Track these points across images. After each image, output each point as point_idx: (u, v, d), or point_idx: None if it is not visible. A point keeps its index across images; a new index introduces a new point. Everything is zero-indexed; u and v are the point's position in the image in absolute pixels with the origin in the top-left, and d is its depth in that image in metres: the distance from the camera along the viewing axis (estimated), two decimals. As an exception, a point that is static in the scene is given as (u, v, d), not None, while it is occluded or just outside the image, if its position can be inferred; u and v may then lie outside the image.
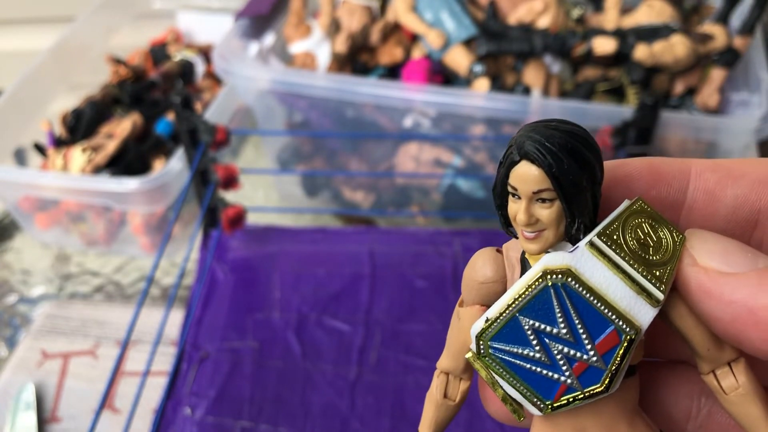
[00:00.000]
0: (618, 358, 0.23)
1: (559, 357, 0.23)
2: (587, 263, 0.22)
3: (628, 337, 0.22)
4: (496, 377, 0.24)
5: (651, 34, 0.63)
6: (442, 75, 0.68)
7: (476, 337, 0.24)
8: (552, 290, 0.23)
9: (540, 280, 0.23)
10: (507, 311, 0.23)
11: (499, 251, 0.25)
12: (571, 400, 0.23)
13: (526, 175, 0.22)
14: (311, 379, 0.54)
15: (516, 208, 0.23)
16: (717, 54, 0.64)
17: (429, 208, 0.72)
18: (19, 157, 0.77)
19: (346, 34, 0.68)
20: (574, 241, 0.23)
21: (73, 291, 0.72)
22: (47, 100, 0.80)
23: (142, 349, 0.62)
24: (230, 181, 0.61)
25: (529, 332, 0.23)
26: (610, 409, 0.24)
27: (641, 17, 0.65)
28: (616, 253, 0.22)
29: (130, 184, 0.64)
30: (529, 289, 0.23)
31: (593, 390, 0.23)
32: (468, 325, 0.25)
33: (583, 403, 0.23)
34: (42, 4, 0.97)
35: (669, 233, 0.23)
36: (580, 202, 0.22)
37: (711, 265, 0.21)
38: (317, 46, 0.70)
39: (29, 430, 0.56)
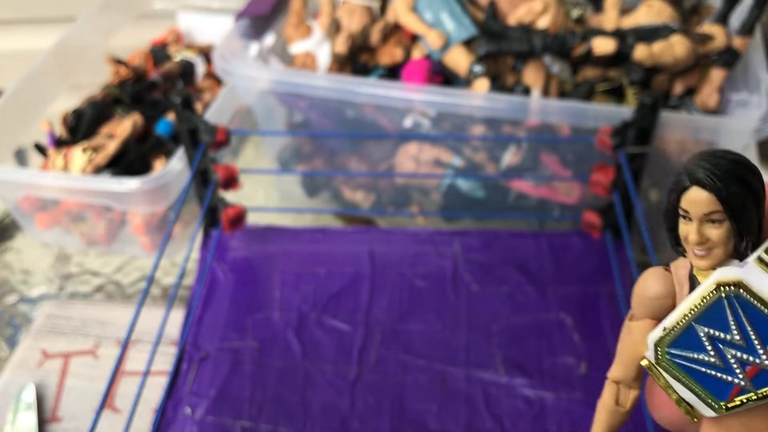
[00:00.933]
0: None
1: (732, 361, 0.26)
2: (757, 276, 0.25)
3: None
4: (672, 381, 0.27)
5: (650, 34, 0.63)
6: (442, 75, 0.69)
7: (654, 344, 0.27)
8: (725, 301, 0.25)
9: (714, 292, 0.26)
10: (683, 320, 0.26)
11: (668, 269, 0.28)
12: (744, 401, 0.26)
13: (698, 199, 0.25)
14: (311, 378, 0.54)
15: (687, 230, 0.26)
16: (716, 54, 0.65)
17: (429, 208, 0.72)
18: (20, 157, 0.77)
19: (346, 35, 0.68)
20: (742, 257, 0.26)
21: (74, 291, 0.72)
22: (48, 100, 0.81)
23: (142, 349, 0.62)
24: (230, 181, 0.61)
25: (704, 339, 0.26)
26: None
27: (641, 17, 0.65)
28: None
29: (130, 184, 0.64)
30: (704, 300, 0.26)
31: (765, 391, 0.25)
32: (640, 338, 0.28)
33: (755, 405, 0.26)
34: (43, 5, 0.97)
35: None
36: (747, 221, 0.25)
37: None
38: (317, 46, 0.70)
39: (30, 429, 0.56)
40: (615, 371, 0.31)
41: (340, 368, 0.55)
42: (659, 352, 0.27)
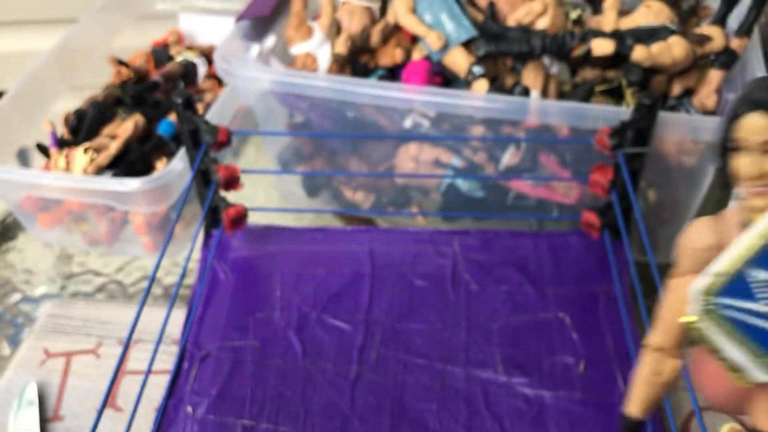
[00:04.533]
0: None
1: None
2: None
3: None
4: (721, 340, 0.23)
5: (649, 35, 0.63)
6: (442, 76, 0.69)
7: (702, 293, 0.23)
8: None
9: None
10: (737, 264, 0.23)
11: (716, 218, 0.25)
12: None
13: (756, 125, 0.22)
14: (312, 378, 0.55)
15: (744, 163, 0.23)
16: (715, 55, 0.65)
17: (429, 208, 0.73)
18: (22, 158, 0.77)
19: (347, 36, 0.69)
20: None
21: (76, 290, 0.72)
22: (50, 100, 0.81)
23: (143, 348, 0.62)
24: (231, 182, 0.61)
25: (759, 286, 0.22)
26: None
27: (639, 19, 0.66)
28: None
29: (132, 184, 0.64)
30: (761, 239, 0.22)
31: None
32: (685, 296, 0.24)
33: None
34: (45, 6, 0.97)
35: None
36: None
37: None
38: (318, 47, 0.70)
39: (32, 428, 0.57)
40: (654, 337, 0.27)
41: (340, 367, 0.55)
42: (706, 303, 0.23)
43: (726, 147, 0.23)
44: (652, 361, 0.27)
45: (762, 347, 0.23)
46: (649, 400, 0.27)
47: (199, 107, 0.80)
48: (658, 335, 0.27)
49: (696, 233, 0.25)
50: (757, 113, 0.22)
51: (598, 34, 0.64)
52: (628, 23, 0.66)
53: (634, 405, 0.27)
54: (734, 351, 0.23)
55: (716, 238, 0.24)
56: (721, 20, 0.66)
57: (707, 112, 0.65)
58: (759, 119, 0.22)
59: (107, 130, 0.75)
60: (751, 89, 0.22)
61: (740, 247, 0.23)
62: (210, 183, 0.61)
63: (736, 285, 0.23)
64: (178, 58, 0.88)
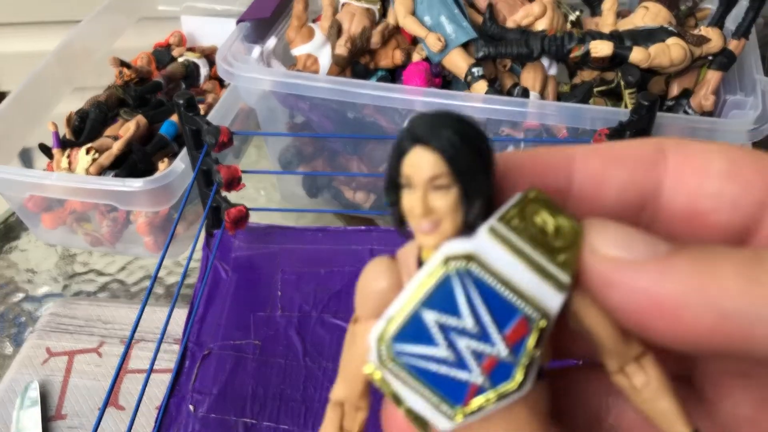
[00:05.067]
0: (529, 349, 0.21)
1: (466, 354, 0.21)
2: (489, 249, 0.21)
3: (539, 324, 0.21)
4: (400, 388, 0.22)
5: (647, 36, 0.64)
6: (442, 78, 0.69)
7: (377, 339, 0.21)
8: (456, 278, 0.21)
9: (442, 268, 0.21)
10: (409, 306, 0.21)
11: (393, 258, 0.23)
12: (483, 403, 0.21)
13: (421, 161, 0.21)
14: (313, 376, 0.55)
15: (411, 200, 0.21)
16: (712, 56, 0.65)
17: (429, 208, 0.73)
18: (25, 158, 0.78)
19: (347, 37, 0.69)
20: (471, 232, 0.21)
21: (78, 290, 0.73)
22: (52, 101, 0.81)
23: (145, 347, 0.63)
24: (233, 182, 0.62)
25: (433, 328, 0.21)
26: (523, 416, 0.22)
27: (637, 20, 0.66)
28: (518, 239, 0.21)
29: (134, 184, 0.64)
30: (431, 278, 0.21)
31: (506, 389, 0.21)
32: (365, 342, 0.22)
33: (496, 406, 0.21)
34: (47, 7, 0.97)
35: (568, 221, 0.21)
36: (477, 186, 0.21)
37: (611, 253, 0.20)
38: (319, 48, 0.71)
39: (34, 426, 0.57)
40: (337, 390, 0.24)
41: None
42: (383, 350, 0.21)
43: (395, 184, 0.22)
44: (337, 417, 0.24)
45: (441, 393, 0.21)
46: None
47: (201, 108, 0.80)
48: (341, 387, 0.24)
49: (372, 273, 0.23)
50: (419, 148, 0.21)
51: (597, 35, 0.64)
52: (626, 25, 0.67)
53: None
54: (415, 399, 0.21)
55: (393, 279, 0.23)
56: (718, 21, 0.66)
57: (705, 113, 0.66)
58: (423, 155, 0.21)
59: (110, 130, 0.76)
60: (413, 124, 0.21)
61: (413, 288, 0.21)
62: (212, 183, 0.62)
63: (412, 329, 0.21)
64: (180, 60, 0.88)
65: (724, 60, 0.65)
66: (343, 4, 0.72)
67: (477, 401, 0.21)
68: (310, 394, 0.54)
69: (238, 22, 0.73)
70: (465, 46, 0.66)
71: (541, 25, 0.67)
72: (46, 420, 0.58)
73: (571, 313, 0.21)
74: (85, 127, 0.75)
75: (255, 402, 0.53)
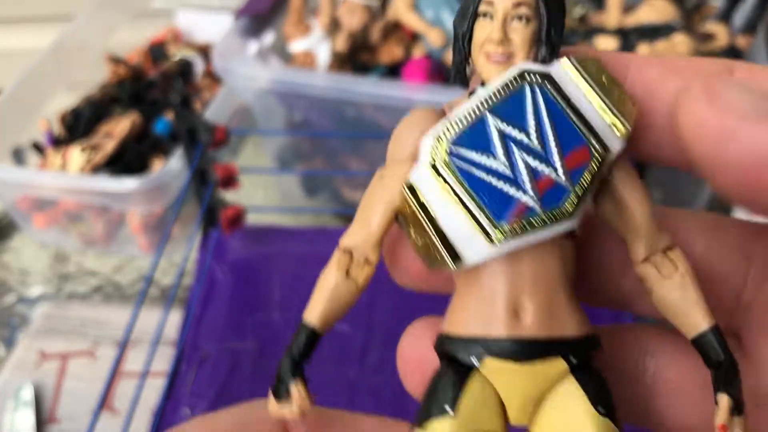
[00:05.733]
0: (587, 179, 0.20)
1: (523, 169, 0.20)
2: (564, 77, 0.21)
3: (599, 156, 0.20)
4: (440, 199, 0.21)
5: (653, 33, 0.63)
6: (443, 74, 0.68)
7: (435, 138, 0.21)
8: (528, 90, 0.21)
9: (518, 79, 0.21)
10: (476, 111, 0.21)
11: (435, 109, 0.23)
12: (529, 224, 0.20)
13: None
14: (311, 379, 0.54)
15: (489, 28, 0.21)
16: (719, 53, 0.64)
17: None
18: (18, 157, 0.77)
19: (347, 33, 0.68)
20: None
21: (72, 291, 0.72)
22: (46, 99, 0.80)
23: (140, 350, 0.62)
24: (229, 181, 0.61)
25: (495, 137, 0.21)
26: (552, 263, 0.21)
27: (643, 16, 0.65)
28: (590, 79, 0.21)
29: (128, 183, 0.64)
30: (506, 88, 0.21)
31: (556, 213, 0.20)
32: (395, 186, 0.22)
33: (539, 234, 0.20)
34: (41, 3, 0.96)
35: (620, 86, 0.21)
36: (557, 25, 0.21)
37: (736, 105, 0.19)
38: (317, 44, 0.70)
39: (28, 430, 0.56)
40: (349, 236, 0.23)
41: (340, 369, 0.55)
42: (438, 149, 0.21)
43: (471, 13, 0.22)
44: (344, 263, 0.23)
45: (487, 209, 0.20)
46: (334, 309, 0.24)
47: (197, 105, 0.79)
48: (356, 232, 0.23)
49: (413, 118, 0.22)
50: None
51: (602, 31, 0.64)
52: (631, 21, 0.66)
53: (314, 313, 0.24)
54: (454, 215, 0.21)
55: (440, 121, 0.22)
56: (725, 17, 0.65)
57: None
58: None
59: (104, 128, 0.75)
60: None
61: (482, 95, 0.21)
62: (208, 182, 0.61)
63: (474, 134, 0.21)
64: (176, 56, 0.87)
65: (731, 56, 0.64)
66: (343, 0, 0.71)
67: (523, 221, 0.20)
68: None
69: (236, 17, 0.72)
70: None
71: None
72: (40, 423, 0.57)
73: (613, 183, 0.22)
74: (79, 126, 0.75)
75: (252, 406, 0.52)
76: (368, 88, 0.62)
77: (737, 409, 0.20)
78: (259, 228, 0.66)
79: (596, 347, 0.22)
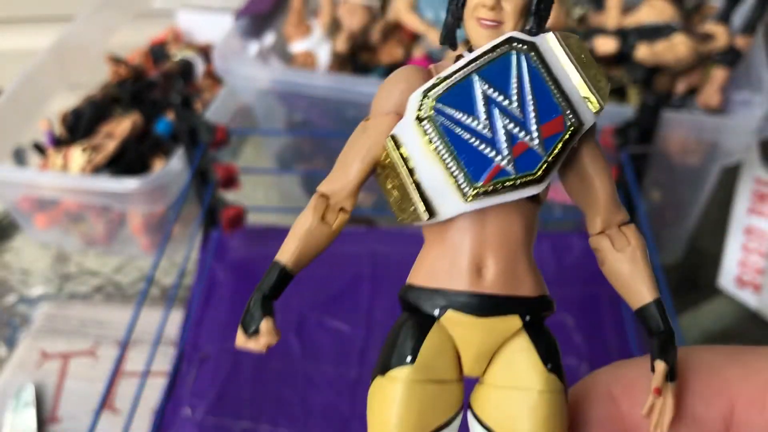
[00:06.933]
0: (558, 148, 0.22)
1: (502, 132, 0.22)
2: (548, 50, 0.22)
3: (572, 126, 0.22)
4: (420, 152, 0.22)
5: (652, 33, 0.63)
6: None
7: (423, 92, 0.22)
8: (515, 57, 0.22)
9: (505, 45, 0.22)
10: (463, 69, 0.22)
11: (422, 68, 0.24)
12: (501, 184, 0.22)
13: None
14: (312, 379, 0.54)
15: None
16: (719, 53, 0.64)
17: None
18: (19, 157, 0.77)
19: (347, 34, 0.68)
20: None
21: (73, 291, 0.72)
22: (47, 99, 0.80)
23: (141, 350, 0.62)
24: (230, 181, 0.61)
25: (479, 98, 0.22)
26: (518, 222, 0.23)
27: (642, 16, 0.65)
28: (572, 55, 0.23)
29: (129, 183, 0.64)
30: (493, 52, 0.22)
31: (527, 177, 0.22)
32: (378, 137, 0.23)
33: (508, 195, 0.22)
34: (41, 3, 0.96)
35: (598, 68, 0.23)
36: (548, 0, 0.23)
37: None
38: (317, 45, 0.70)
39: (29, 430, 0.56)
40: (327, 182, 0.24)
41: (340, 369, 0.55)
42: (425, 103, 0.22)
43: None
44: (320, 205, 0.24)
45: (465, 166, 0.22)
46: (306, 251, 0.24)
47: (198, 106, 0.79)
48: (332, 180, 0.24)
49: (400, 73, 0.23)
50: None
51: (601, 32, 0.64)
52: (631, 21, 0.66)
53: (287, 254, 0.24)
54: (431, 169, 0.22)
55: (422, 82, 0.23)
56: (724, 18, 0.65)
57: (711, 111, 0.65)
58: None
59: (105, 129, 0.75)
60: None
61: (471, 57, 0.22)
62: (208, 182, 0.61)
63: (459, 93, 0.22)
64: (177, 57, 0.87)
65: (731, 57, 0.64)
66: (343, 1, 0.71)
67: (497, 181, 0.22)
68: (309, 397, 0.53)
69: (236, 17, 0.72)
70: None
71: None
72: (41, 423, 0.57)
73: (581, 157, 0.23)
74: (80, 126, 0.75)
75: (253, 405, 0.53)
76: (368, 88, 0.62)
77: (671, 375, 0.22)
78: (259, 228, 0.66)
79: (549, 308, 0.24)
